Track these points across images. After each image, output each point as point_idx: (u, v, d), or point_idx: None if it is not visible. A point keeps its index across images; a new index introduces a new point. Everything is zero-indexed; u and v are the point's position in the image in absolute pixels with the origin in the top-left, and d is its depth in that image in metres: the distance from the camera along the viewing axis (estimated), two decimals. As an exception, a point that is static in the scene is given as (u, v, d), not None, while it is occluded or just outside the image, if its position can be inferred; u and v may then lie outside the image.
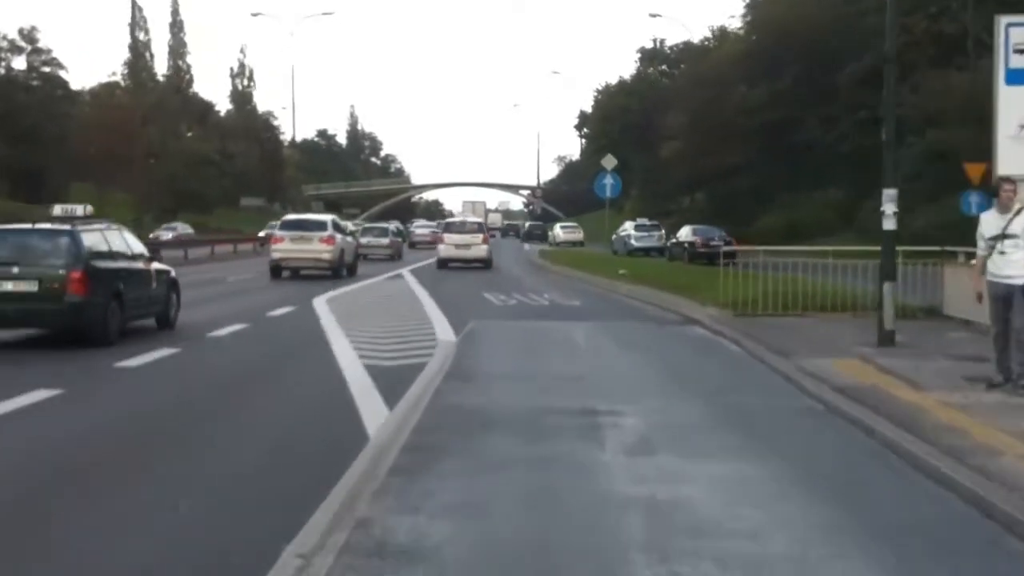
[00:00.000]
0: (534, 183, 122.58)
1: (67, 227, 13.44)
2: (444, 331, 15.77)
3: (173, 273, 16.04)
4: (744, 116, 47.63)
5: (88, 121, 64.42)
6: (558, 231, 67.45)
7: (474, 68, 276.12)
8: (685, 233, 41.05)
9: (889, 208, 12.63)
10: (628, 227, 47.94)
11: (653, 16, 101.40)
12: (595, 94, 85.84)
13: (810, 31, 45.55)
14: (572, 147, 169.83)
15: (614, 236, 46.98)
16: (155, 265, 15.35)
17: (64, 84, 71.70)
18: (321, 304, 20.09)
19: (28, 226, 13.81)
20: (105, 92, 72.18)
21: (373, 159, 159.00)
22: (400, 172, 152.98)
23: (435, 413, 9.04)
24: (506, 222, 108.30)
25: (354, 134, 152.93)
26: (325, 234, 28.59)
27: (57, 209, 14.64)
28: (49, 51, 70.47)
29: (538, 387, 10.63)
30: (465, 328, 15.87)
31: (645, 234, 45.78)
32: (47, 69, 70.51)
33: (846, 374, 10.82)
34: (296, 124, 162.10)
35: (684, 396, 10.31)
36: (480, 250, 34.93)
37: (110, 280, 13.38)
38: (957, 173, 26.60)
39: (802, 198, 45.88)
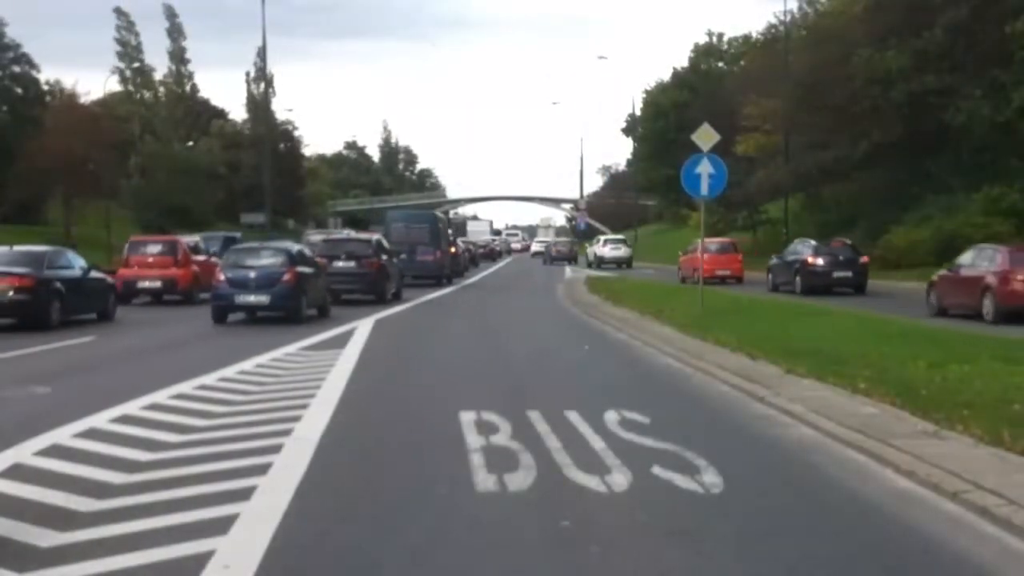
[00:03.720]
0: (576, 196, 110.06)
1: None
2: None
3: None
4: (876, 89, 34.48)
5: (62, 125, 53.18)
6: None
7: (508, 66, 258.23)
8: None
9: None
10: (599, 242, 54.71)
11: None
12: (643, 94, 73.68)
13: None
14: (618, 156, 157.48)
15: (588, 250, 54.71)
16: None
17: (36, 82, 60.88)
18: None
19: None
20: (70, 97, 60.90)
21: (408, 173, 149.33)
22: (436, 187, 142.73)
23: None
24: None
25: (387, 147, 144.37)
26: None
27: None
28: (18, 46, 59.57)
29: None
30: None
31: (613, 246, 52.66)
32: (16, 69, 59.79)
33: None
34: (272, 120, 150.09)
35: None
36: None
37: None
38: None
39: (958, 200, 33.06)
